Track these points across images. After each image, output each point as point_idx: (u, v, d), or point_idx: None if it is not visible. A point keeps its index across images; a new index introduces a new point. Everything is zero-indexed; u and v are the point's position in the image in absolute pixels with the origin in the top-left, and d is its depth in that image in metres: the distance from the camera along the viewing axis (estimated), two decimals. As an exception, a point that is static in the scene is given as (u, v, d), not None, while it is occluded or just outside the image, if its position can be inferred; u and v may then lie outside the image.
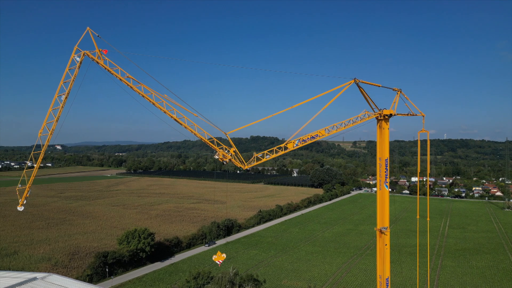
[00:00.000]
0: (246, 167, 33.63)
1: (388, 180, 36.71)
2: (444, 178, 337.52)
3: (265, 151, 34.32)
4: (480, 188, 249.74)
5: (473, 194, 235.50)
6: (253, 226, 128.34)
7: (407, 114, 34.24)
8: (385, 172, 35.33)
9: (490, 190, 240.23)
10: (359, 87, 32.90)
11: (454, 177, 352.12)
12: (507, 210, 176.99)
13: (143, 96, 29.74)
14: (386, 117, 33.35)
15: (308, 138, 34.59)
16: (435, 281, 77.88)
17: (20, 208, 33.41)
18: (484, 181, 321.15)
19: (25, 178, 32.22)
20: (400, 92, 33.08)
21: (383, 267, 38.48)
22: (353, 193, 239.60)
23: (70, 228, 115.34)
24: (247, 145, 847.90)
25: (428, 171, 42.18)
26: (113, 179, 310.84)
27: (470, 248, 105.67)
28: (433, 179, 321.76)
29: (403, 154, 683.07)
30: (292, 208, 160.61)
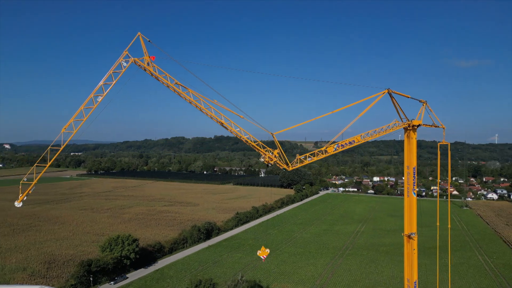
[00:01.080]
0: (290, 168, 34.05)
1: (416, 187, 38.35)
2: (403, 178, 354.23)
3: (307, 154, 35.05)
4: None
5: (432, 193, 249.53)
6: (232, 228, 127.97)
7: (431, 126, 36.14)
8: (413, 180, 36.89)
9: (448, 189, 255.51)
10: (391, 97, 34.34)
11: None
12: (465, 208, 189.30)
13: (190, 102, 29.05)
14: (415, 127, 35.07)
15: (346, 143, 35.70)
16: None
17: (18, 204, 31.19)
18: (441, 180, 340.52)
19: (33, 172, 30.26)
20: (426, 103, 34.87)
21: (411, 271, 40.11)
22: (322, 193, 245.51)
23: (39, 234, 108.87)
24: (211, 145, 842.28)
25: (449, 181, 44.67)
26: (74, 180, 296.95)
27: (441, 246, 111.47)
28: (393, 179, 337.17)
29: (363, 154, 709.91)
30: (267, 209, 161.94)
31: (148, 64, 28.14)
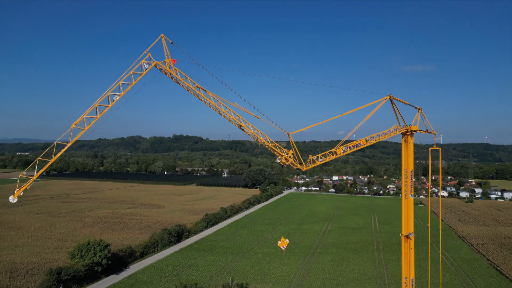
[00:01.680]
0: (305, 168, 34.55)
1: (412, 189, 40.27)
2: (361, 177, 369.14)
3: (319, 154, 35.77)
4: (394, 186, 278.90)
5: (389, 191, 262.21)
6: (202, 230, 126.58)
7: (425, 131, 38.22)
8: (411, 182, 38.76)
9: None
10: (392, 103, 35.93)
11: (368, 176, 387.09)
12: (420, 205, 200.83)
13: (209, 105, 28.57)
14: (412, 132, 36.96)
15: (353, 145, 36.77)
16: (384, 274, 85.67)
17: (13, 200, 29.07)
18: (393, 179, 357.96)
19: (35, 166, 28.37)
20: (421, 110, 36.84)
21: (409, 269, 42.01)
22: (285, 192, 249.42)
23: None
24: (170, 144, 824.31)
25: (440, 184, 46.97)
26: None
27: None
28: (351, 178, 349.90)
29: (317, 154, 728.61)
30: (235, 210, 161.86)
31: (169, 67, 27.27)
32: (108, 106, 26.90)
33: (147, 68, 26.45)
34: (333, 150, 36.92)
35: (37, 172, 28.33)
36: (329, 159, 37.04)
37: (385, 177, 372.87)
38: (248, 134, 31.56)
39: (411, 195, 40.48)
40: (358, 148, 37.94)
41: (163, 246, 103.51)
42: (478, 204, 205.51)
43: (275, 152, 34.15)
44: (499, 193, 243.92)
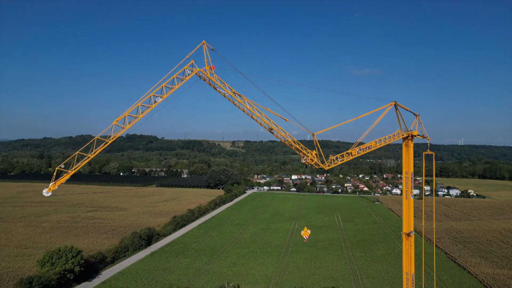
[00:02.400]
0: (327, 167, 35.65)
1: (412, 190, 42.71)
2: (318, 176, 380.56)
3: (338, 155, 36.98)
4: (351, 184, 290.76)
5: (347, 189, 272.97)
6: (170, 233, 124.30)
7: (422, 137, 40.94)
8: (411, 184, 41.23)
9: (359, 186, 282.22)
10: (396, 109, 38.16)
11: (325, 174, 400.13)
12: (377, 203, 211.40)
13: (243, 111, 28.76)
14: (413, 137, 39.50)
15: (366, 147, 38.36)
16: (356, 271, 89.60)
17: (46, 194, 27.81)
18: (349, 177, 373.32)
19: (73, 160, 27.18)
20: (418, 116, 39.53)
21: (410, 265, 44.49)
22: (248, 192, 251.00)
23: None
24: (122, 144, 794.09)
25: (434, 186, 49.98)
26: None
27: (366, 239, 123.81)
28: (309, 177, 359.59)
29: (277, 154, 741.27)
30: (202, 211, 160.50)
31: (211, 75, 27.19)
32: (150, 107, 26.50)
33: (189, 74, 26.21)
34: (349, 151, 38.74)
35: (74, 167, 27.11)
36: (347, 159, 38.84)
37: (340, 176, 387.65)
38: (277, 137, 32.31)
39: (412, 195, 43.16)
40: (370, 150, 39.97)
41: (133, 250, 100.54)
42: (428, 201, 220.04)
43: (300, 153, 35.13)
44: (446, 190, 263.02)
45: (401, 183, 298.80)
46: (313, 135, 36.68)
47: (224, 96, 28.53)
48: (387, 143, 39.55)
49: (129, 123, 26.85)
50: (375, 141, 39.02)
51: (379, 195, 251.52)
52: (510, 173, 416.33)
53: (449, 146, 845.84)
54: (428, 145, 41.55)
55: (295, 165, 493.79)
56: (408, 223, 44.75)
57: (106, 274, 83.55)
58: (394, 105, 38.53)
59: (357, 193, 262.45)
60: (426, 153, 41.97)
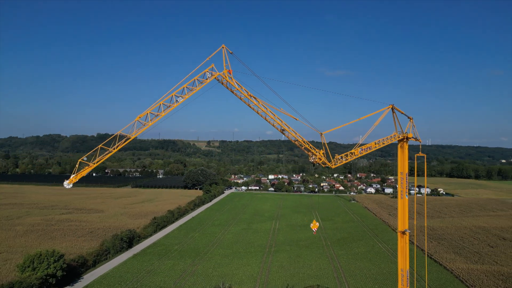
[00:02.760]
0: (333, 166, 36.51)
1: (407, 191, 44.24)
2: (294, 175, 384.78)
3: (343, 154, 37.89)
4: (327, 184, 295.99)
5: (323, 189, 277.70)
6: (151, 234, 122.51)
7: (414, 139, 42.60)
8: (406, 184, 42.82)
9: (334, 185, 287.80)
10: (393, 112, 39.61)
11: (301, 174, 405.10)
12: (353, 202, 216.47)
13: (257, 112, 29.21)
14: (408, 139, 41.09)
15: (367, 148, 39.54)
16: (339, 269, 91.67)
17: (67, 185, 27.82)
18: (324, 177, 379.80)
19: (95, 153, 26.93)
20: (412, 119, 41.21)
21: (405, 262, 46.07)
22: (227, 192, 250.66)
23: None
24: (94, 144, 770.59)
25: (426, 187, 51.72)
26: None
27: (346, 237, 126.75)
28: (286, 176, 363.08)
29: (253, 153, 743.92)
30: (182, 212, 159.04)
31: (229, 78, 27.43)
32: (172, 106, 26.62)
33: (209, 78, 26.38)
34: (352, 151, 39.96)
35: (97, 159, 26.85)
36: (351, 159, 40.04)
37: (315, 175, 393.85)
38: (288, 137, 33.08)
39: (407, 195, 44.82)
40: (371, 151, 41.35)
41: (115, 253, 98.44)
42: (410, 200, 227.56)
43: (309, 153, 36.00)
44: (417, 189, 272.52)
45: (374, 182, 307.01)
46: (321, 134, 37.70)
47: (240, 99, 29.03)
48: (385, 144, 41.10)
49: (151, 120, 26.96)
50: (375, 142, 40.54)
51: (354, 194, 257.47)
52: (475, 172, 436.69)
53: (417, 146, 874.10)
54: (420, 147, 43.49)
55: (271, 165, 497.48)
56: (403, 222, 46.47)
57: (88, 278, 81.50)
58: (392, 108, 40.10)
59: (333, 192, 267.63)
60: (418, 155, 43.87)
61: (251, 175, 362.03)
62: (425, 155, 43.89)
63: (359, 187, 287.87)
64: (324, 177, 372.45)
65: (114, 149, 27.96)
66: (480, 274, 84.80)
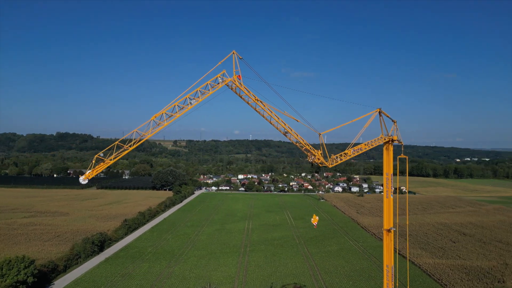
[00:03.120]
0: (330, 166, 37.24)
1: (391, 190, 46.02)
2: (263, 175, 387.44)
3: (337, 155, 38.66)
4: (296, 183, 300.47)
5: (292, 188, 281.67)
6: (122, 237, 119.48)
7: (397, 141, 44.50)
8: (391, 184, 44.56)
9: (303, 184, 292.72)
10: (380, 115, 41.21)
11: (270, 174, 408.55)
12: (322, 200, 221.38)
13: (262, 116, 29.56)
14: (393, 141, 42.80)
15: (358, 149, 40.75)
16: (314, 267, 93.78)
17: (83, 181, 27.35)
18: (292, 176, 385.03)
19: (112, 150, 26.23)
20: (395, 123, 43.06)
21: (390, 258, 47.80)
22: (197, 193, 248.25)
23: None
24: (53, 143, 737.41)
25: (407, 188, 53.82)
26: None
27: (318, 236, 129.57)
28: (255, 176, 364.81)
29: (221, 153, 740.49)
30: (153, 214, 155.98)
31: (239, 84, 27.54)
32: (187, 108, 26.55)
33: (220, 82, 26.36)
34: (345, 151, 41.15)
35: (113, 156, 26.29)
36: (345, 159, 41.14)
37: (284, 174, 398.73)
38: (290, 139, 33.72)
39: (392, 195, 46.74)
40: (362, 152, 42.77)
41: (86, 257, 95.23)
42: (368, 198, 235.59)
43: (308, 153, 36.82)
44: (382, 187, 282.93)
45: (341, 181, 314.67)
46: (320, 134, 38.68)
47: (248, 103, 29.30)
48: (374, 146, 42.86)
49: (166, 119, 26.97)
50: (365, 144, 42.20)
51: (323, 193, 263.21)
52: (434, 171, 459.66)
53: (380, 146, 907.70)
54: (402, 149, 45.67)
55: (240, 165, 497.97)
56: (388, 220, 48.40)
57: (60, 283, 78.44)
58: (379, 112, 41.91)
59: (302, 191, 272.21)
60: (400, 157, 46.07)
61: (221, 175, 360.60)
62: (407, 157, 46.23)
63: (326, 186, 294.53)
64: (293, 177, 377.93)
65: (130, 146, 27.72)
66: (446, 268, 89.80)
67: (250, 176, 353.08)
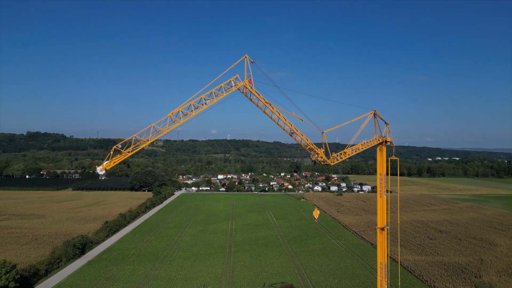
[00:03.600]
0: (332, 164, 37.87)
1: (384, 190, 47.24)
2: (243, 175, 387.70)
3: (338, 153, 39.28)
4: (276, 183, 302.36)
5: (273, 188, 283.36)
6: (104, 240, 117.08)
7: (390, 143, 45.86)
8: (385, 184, 45.77)
9: (283, 184, 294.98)
10: (375, 117, 42.37)
11: (250, 173, 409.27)
12: (303, 200, 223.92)
13: (270, 117, 29.97)
14: (386, 142, 44.06)
15: (356, 148, 41.68)
16: (299, 265, 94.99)
17: (101, 171, 27.40)
18: (272, 176, 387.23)
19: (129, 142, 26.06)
20: (388, 124, 44.40)
21: (384, 256, 48.91)
22: (177, 193, 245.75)
23: None
24: (23, 143, 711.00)
25: (399, 191, 55.12)
26: None
27: (301, 235, 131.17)
28: (236, 176, 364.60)
29: (199, 153, 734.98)
30: (134, 215, 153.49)
31: (251, 88, 27.76)
32: (201, 108, 26.78)
33: (233, 86, 26.51)
34: (344, 150, 42.18)
35: (131, 148, 26.18)
36: (345, 158, 42.21)
37: (264, 174, 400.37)
38: (295, 139, 34.37)
39: (385, 195, 48.08)
40: (358, 152, 43.84)
41: (67, 261, 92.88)
42: (347, 197, 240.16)
43: (311, 152, 37.52)
44: (359, 186, 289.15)
45: (319, 181, 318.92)
46: (323, 133, 39.51)
47: (257, 106, 29.61)
48: (369, 146, 44.15)
49: (182, 117, 27.24)
50: (361, 144, 43.46)
51: (303, 192, 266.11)
52: (408, 170, 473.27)
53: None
54: (393, 151, 47.22)
55: (219, 165, 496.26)
56: (382, 219, 49.77)
57: (42, 288, 76.24)
58: (374, 114, 43.21)
59: (283, 191, 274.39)
60: (392, 158, 47.59)
61: (200, 175, 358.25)
62: (398, 159, 47.75)
63: (306, 186, 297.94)
64: (272, 176, 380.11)
65: (148, 140, 27.77)
66: (425, 265, 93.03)
67: (230, 176, 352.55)
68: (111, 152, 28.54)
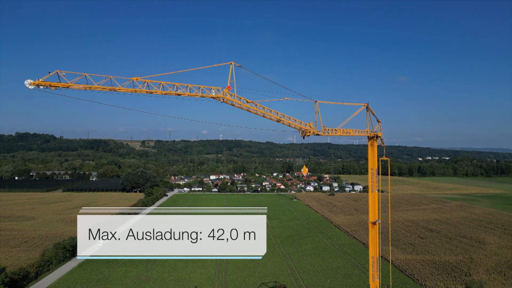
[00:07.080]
0: (322, 134, 37.90)
1: (376, 185, 47.56)
2: (235, 175, 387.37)
3: (329, 128, 39.35)
4: (268, 183, 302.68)
5: (266, 188, 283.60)
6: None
7: (381, 141, 46.20)
8: (376, 179, 46.23)
9: (276, 184, 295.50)
10: (367, 110, 42.78)
11: (242, 174, 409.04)
12: (295, 200, 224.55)
13: (255, 113, 29.94)
14: (378, 138, 44.50)
15: (348, 132, 43.14)
16: (292, 266, 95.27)
17: (29, 86, 25.63)
18: (264, 176, 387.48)
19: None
20: (380, 122, 44.90)
21: (375, 250, 49.35)
22: (169, 194, 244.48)
23: None
24: (12, 144, 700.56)
25: (389, 190, 55.56)
26: None
27: (294, 235, 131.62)
28: (228, 177, 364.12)
29: (191, 153, 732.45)
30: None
31: (233, 97, 27.74)
32: (171, 92, 26.59)
33: (212, 93, 26.39)
34: (336, 129, 42.71)
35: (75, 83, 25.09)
36: (334, 134, 43.01)
37: (256, 174, 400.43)
38: (284, 124, 34.73)
39: (377, 190, 48.44)
40: (349, 135, 44.38)
41: (58, 263, 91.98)
42: (339, 197, 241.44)
43: (302, 128, 37.75)
44: (351, 186, 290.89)
45: (312, 181, 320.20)
46: (315, 102, 39.70)
47: (241, 108, 29.66)
48: (359, 134, 44.62)
49: (142, 87, 26.32)
50: (353, 130, 44.01)
51: (295, 192, 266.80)
52: (399, 169, 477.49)
53: (346, 146, 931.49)
54: (384, 151, 47.65)
55: (212, 165, 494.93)
56: (373, 214, 50.07)
57: (32, 292, 75.35)
58: (366, 107, 43.64)
59: (275, 191, 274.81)
60: (382, 159, 48.02)
61: (192, 175, 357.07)
62: (389, 159, 48.19)
63: (298, 186, 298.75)
64: (265, 176, 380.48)
65: (96, 86, 25.98)
66: (416, 264, 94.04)
67: (222, 177, 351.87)
68: (51, 73, 26.33)
